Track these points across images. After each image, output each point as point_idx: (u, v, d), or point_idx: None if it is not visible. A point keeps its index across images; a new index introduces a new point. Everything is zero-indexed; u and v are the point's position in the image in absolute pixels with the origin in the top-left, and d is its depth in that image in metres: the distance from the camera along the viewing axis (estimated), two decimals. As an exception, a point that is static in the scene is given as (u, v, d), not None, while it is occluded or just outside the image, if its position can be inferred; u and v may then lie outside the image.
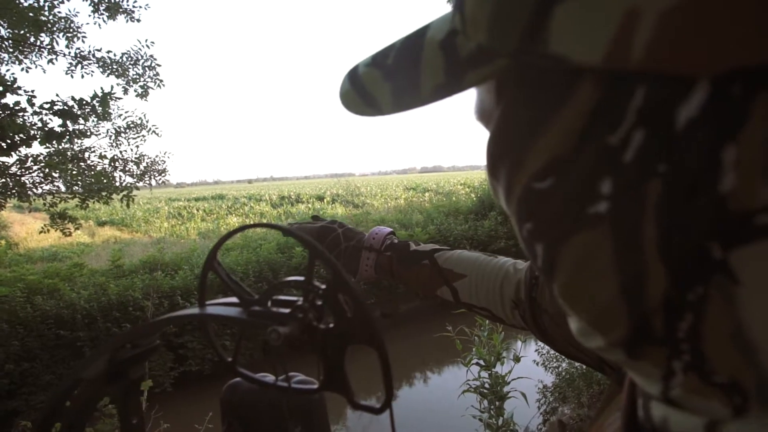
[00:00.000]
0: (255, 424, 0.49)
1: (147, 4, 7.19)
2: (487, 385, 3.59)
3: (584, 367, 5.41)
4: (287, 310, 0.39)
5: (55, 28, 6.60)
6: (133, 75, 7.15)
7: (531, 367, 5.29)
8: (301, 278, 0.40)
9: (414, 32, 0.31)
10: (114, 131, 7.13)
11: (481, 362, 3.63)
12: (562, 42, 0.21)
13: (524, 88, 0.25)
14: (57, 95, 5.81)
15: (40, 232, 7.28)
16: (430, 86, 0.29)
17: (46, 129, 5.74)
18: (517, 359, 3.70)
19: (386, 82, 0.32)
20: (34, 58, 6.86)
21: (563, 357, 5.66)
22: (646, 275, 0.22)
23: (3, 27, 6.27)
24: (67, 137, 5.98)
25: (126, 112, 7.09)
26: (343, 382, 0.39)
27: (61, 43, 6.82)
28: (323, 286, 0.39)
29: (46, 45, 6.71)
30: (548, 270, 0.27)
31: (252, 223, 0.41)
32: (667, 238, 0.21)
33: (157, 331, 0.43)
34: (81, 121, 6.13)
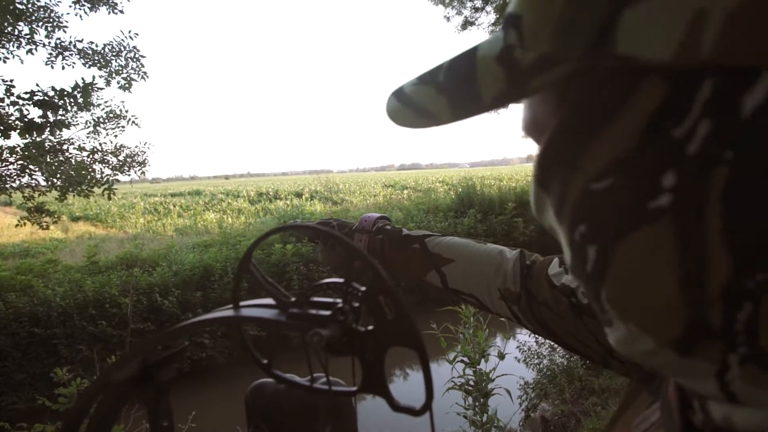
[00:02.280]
0: (283, 427, 0.48)
1: (129, -3, 7.03)
2: (471, 382, 3.62)
3: (566, 363, 5.50)
4: (328, 312, 0.38)
5: (34, 18, 6.41)
6: (116, 66, 6.97)
7: (512, 364, 5.35)
8: (340, 280, 0.40)
9: (461, 54, 0.35)
10: (93, 121, 6.95)
11: (466, 359, 3.65)
12: (631, 43, 0.23)
13: (586, 92, 0.27)
14: (37, 85, 5.65)
15: (17, 226, 7.08)
16: (492, 94, 0.31)
17: (26, 120, 5.57)
18: (501, 356, 3.73)
19: (441, 96, 0.35)
20: (11, 48, 6.66)
21: (544, 354, 5.74)
22: (708, 264, 0.23)
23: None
24: (48, 128, 5.82)
25: (105, 102, 6.92)
26: (382, 384, 0.39)
27: (41, 33, 6.63)
28: (363, 288, 0.39)
29: (25, 35, 6.51)
30: (599, 273, 0.28)
31: (290, 223, 0.41)
32: (732, 225, 0.22)
33: (189, 333, 0.42)
34: (61, 112, 5.97)
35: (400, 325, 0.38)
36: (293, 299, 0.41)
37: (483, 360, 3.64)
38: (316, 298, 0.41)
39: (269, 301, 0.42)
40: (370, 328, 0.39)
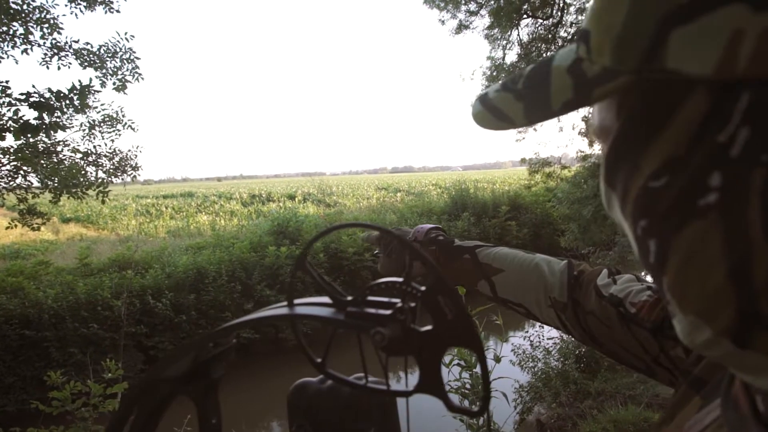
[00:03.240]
0: (326, 426, 0.48)
1: (126, -4, 6.98)
2: (468, 386, 3.61)
3: (561, 366, 5.51)
4: (388, 312, 0.39)
5: (29, 18, 6.32)
6: (111, 68, 6.89)
7: (508, 367, 5.37)
8: (399, 279, 0.40)
9: (539, 63, 0.38)
10: (88, 124, 6.87)
11: (462, 363, 3.65)
12: (677, 59, 0.26)
13: (643, 101, 0.30)
14: (33, 86, 5.58)
15: (7, 228, 6.99)
16: (560, 102, 0.35)
17: (22, 121, 5.50)
18: (497, 359, 3.73)
19: (518, 102, 0.38)
20: (6, 48, 6.57)
21: (538, 358, 5.75)
22: (752, 257, 0.25)
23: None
24: (44, 130, 5.74)
25: (102, 105, 6.85)
26: (438, 384, 0.39)
27: (36, 34, 6.53)
28: (422, 288, 0.39)
29: (20, 34, 6.42)
30: (660, 264, 0.31)
31: (344, 222, 0.41)
32: None
33: (241, 331, 0.42)
34: (57, 114, 5.89)
35: (459, 326, 0.38)
36: (350, 298, 0.41)
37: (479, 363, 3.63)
38: (371, 297, 0.41)
39: (325, 299, 0.42)
40: (429, 328, 0.39)
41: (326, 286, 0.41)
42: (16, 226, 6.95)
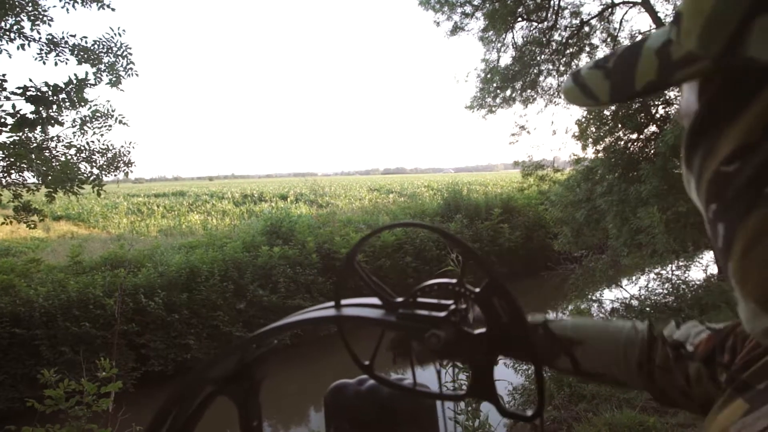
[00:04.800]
0: (366, 427, 0.48)
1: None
2: (463, 387, 3.61)
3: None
4: (442, 314, 0.38)
5: (17, 10, 6.22)
6: (106, 63, 6.78)
7: (502, 369, 5.38)
8: (453, 280, 0.39)
9: (634, 43, 0.37)
10: (80, 120, 6.78)
11: (458, 364, 3.65)
12: (757, 48, 0.26)
13: (721, 87, 0.31)
14: (30, 80, 5.50)
15: (2, 224, 6.89)
16: (643, 82, 0.35)
17: (19, 115, 5.42)
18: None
19: (606, 80, 0.38)
20: (1, 43, 6.48)
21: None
22: None
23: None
24: (41, 125, 5.67)
25: (92, 101, 6.77)
26: (490, 389, 0.39)
27: (26, 26, 6.44)
28: (477, 290, 0.38)
29: (15, 28, 6.32)
30: (726, 248, 0.32)
31: (398, 222, 0.40)
32: None
33: (287, 333, 0.41)
34: (54, 108, 5.81)
35: (514, 329, 0.38)
36: (400, 299, 0.40)
37: (477, 365, 3.64)
38: (421, 299, 0.40)
39: (374, 300, 0.41)
40: (483, 330, 0.38)
41: (375, 287, 0.41)
42: (11, 223, 6.87)
